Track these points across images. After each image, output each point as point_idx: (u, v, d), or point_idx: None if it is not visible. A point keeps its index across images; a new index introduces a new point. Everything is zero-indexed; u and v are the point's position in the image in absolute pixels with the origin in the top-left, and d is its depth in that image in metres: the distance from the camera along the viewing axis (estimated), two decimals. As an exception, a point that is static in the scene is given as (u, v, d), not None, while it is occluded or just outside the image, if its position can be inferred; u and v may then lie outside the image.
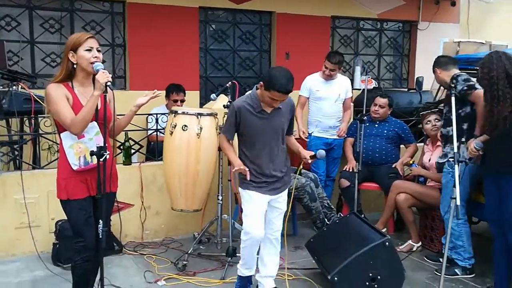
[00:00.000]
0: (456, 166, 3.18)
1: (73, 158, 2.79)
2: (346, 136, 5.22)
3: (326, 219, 4.62)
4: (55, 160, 4.55)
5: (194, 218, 4.59)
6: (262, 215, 3.33)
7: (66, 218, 3.81)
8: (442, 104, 4.72)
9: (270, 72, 3.21)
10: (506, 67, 3.21)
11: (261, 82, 3.15)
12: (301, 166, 3.60)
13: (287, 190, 3.46)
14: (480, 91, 3.52)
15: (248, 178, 3.26)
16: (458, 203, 3.10)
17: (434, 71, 4.12)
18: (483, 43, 5.56)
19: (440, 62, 4.09)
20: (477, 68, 4.50)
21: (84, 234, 2.85)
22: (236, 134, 3.39)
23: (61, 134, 2.81)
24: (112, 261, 4.11)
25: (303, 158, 3.41)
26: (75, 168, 2.79)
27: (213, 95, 4.17)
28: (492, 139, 3.34)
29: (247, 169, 3.25)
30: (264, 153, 3.28)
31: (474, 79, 3.76)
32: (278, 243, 3.48)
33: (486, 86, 3.28)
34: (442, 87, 4.95)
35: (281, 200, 3.41)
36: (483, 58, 3.37)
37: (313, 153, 3.44)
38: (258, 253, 3.47)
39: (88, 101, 2.70)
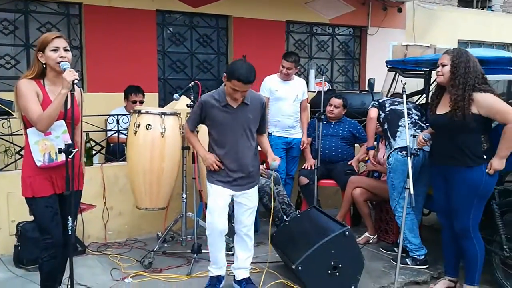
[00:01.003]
0: (409, 157, 3.42)
1: (37, 154, 2.81)
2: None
3: (284, 216, 4.74)
4: (12, 162, 4.50)
5: (157, 217, 4.64)
6: (224, 209, 3.38)
7: (27, 220, 3.87)
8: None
9: (232, 63, 3.33)
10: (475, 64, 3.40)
11: (225, 74, 3.27)
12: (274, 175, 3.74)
13: (255, 187, 3.51)
14: None
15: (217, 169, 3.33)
16: (412, 192, 3.31)
17: None
18: (428, 46, 5.94)
19: None
20: (425, 69, 4.87)
21: (51, 231, 2.87)
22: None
23: (28, 130, 2.82)
24: (76, 261, 3.96)
25: (269, 161, 3.48)
26: (38, 164, 2.81)
27: (176, 95, 4.24)
28: (438, 132, 3.56)
29: (219, 164, 3.32)
30: (230, 149, 3.33)
31: None
32: (249, 238, 3.55)
33: (462, 75, 3.34)
34: (391, 88, 5.23)
35: (248, 196, 3.46)
36: (454, 50, 3.47)
37: (279, 159, 3.52)
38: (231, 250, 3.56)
39: (55, 99, 2.74)
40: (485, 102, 3.30)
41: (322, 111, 4.85)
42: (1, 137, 4.44)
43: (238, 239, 3.57)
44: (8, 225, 4.16)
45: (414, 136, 3.67)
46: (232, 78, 3.17)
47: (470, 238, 3.47)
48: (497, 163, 3.33)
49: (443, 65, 3.43)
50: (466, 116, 3.30)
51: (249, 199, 3.48)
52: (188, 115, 3.67)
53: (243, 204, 3.47)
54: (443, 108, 3.48)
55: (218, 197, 3.38)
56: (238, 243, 3.59)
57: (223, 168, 3.36)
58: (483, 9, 12.31)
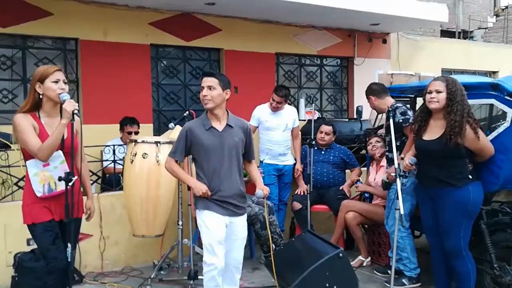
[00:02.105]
0: (398, 180, 3.54)
1: (37, 185, 2.88)
2: (295, 162, 5.53)
3: (274, 245, 4.66)
4: (10, 194, 4.56)
5: (153, 246, 4.69)
6: (221, 244, 3.25)
7: (24, 250, 3.91)
8: (382, 130, 5.17)
9: None
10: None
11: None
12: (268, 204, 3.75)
13: (244, 216, 3.42)
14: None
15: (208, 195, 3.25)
16: (402, 212, 3.42)
17: (368, 98, 4.50)
18: (413, 74, 6.17)
19: (373, 91, 4.47)
20: (410, 96, 5.06)
21: (54, 253, 2.92)
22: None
23: (27, 162, 2.90)
24: None
25: (257, 189, 3.45)
26: (39, 195, 2.89)
27: (171, 124, 4.36)
28: (425, 157, 3.64)
29: (208, 192, 3.23)
30: (217, 173, 3.25)
31: (410, 112, 4.14)
32: (238, 272, 3.48)
33: (460, 102, 3.45)
34: (379, 115, 5.41)
35: (237, 226, 3.35)
36: (447, 78, 3.60)
37: (267, 189, 3.49)
38: None
39: (56, 129, 2.83)
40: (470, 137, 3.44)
41: (312, 138, 4.99)
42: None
43: (226, 271, 3.39)
44: (5, 256, 4.20)
45: (402, 158, 3.80)
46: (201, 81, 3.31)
47: (462, 257, 3.54)
48: None
49: (438, 92, 3.49)
50: (459, 143, 3.39)
51: (238, 228, 3.37)
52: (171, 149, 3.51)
53: (233, 234, 3.35)
54: (431, 134, 3.57)
55: (212, 228, 3.24)
56: (226, 275, 3.40)
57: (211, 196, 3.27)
58: (465, 39, 12.75)
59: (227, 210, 3.30)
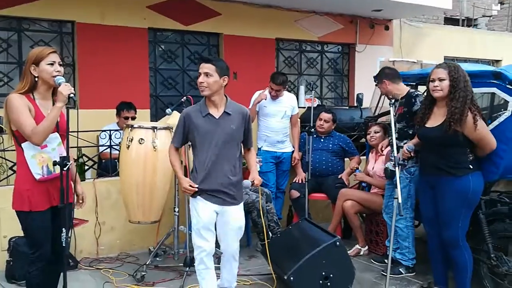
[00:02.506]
0: (397, 168, 3.49)
1: (36, 167, 2.82)
2: (294, 150, 5.48)
3: (271, 233, 4.64)
4: (4, 178, 4.51)
5: (149, 232, 4.66)
6: (209, 228, 3.28)
7: (19, 235, 3.87)
8: (383, 118, 5.10)
9: None
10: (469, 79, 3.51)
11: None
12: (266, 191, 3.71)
13: (239, 206, 3.38)
14: None
15: (195, 196, 3.26)
16: (400, 201, 3.38)
17: (381, 82, 4.29)
18: (415, 62, 6.10)
19: (388, 75, 4.29)
20: (412, 84, 4.98)
21: (43, 245, 2.88)
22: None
23: (22, 145, 2.82)
24: (68, 276, 3.97)
25: (248, 178, 3.42)
26: (37, 177, 2.82)
27: (168, 110, 4.30)
28: (426, 145, 3.63)
29: (195, 188, 3.23)
30: (212, 160, 3.23)
31: None
32: (235, 260, 3.47)
33: (462, 88, 3.41)
34: (379, 104, 5.33)
35: (231, 214, 3.33)
36: (449, 64, 3.55)
37: (259, 179, 3.46)
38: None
39: (51, 112, 2.78)
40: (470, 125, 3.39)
41: (311, 125, 4.93)
42: (-6, 153, 4.47)
43: (224, 258, 3.47)
44: (1, 240, 4.17)
45: (401, 147, 3.75)
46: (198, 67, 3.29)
47: (459, 247, 3.53)
48: None
49: (441, 80, 3.46)
50: (458, 130, 3.37)
51: (232, 216, 3.34)
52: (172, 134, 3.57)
53: (227, 223, 3.35)
54: (434, 121, 3.54)
55: (202, 214, 3.26)
56: (223, 262, 3.49)
57: (197, 192, 3.26)
58: (469, 27, 12.61)
59: (218, 198, 3.27)
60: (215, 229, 3.36)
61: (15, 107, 2.77)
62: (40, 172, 2.82)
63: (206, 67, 3.22)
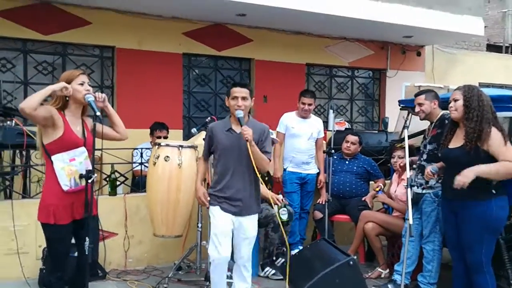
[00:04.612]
0: (409, 189, 3.55)
1: (65, 179, 3.03)
2: (319, 171, 5.57)
3: (274, 256, 4.68)
4: (40, 192, 4.82)
5: (175, 247, 4.85)
6: (226, 237, 3.45)
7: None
8: (411, 141, 5.10)
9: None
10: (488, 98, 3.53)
11: (226, 98, 3.58)
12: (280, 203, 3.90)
13: (253, 217, 3.54)
14: None
15: (207, 205, 3.54)
16: (411, 222, 3.42)
17: (430, 101, 4.16)
18: (441, 87, 6.12)
19: (437, 96, 4.22)
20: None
21: (62, 257, 3.12)
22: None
23: (52, 157, 3.02)
24: (95, 286, 4.30)
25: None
26: (65, 188, 3.02)
27: (193, 130, 4.53)
28: (448, 166, 3.63)
29: (206, 201, 3.52)
30: (231, 172, 3.45)
31: None
32: (246, 270, 3.59)
33: (476, 108, 3.44)
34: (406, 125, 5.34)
35: (245, 225, 3.50)
36: (465, 85, 3.58)
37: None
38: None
39: (42, 90, 2.92)
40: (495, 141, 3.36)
41: (331, 147, 5.05)
42: (34, 167, 4.80)
43: (236, 269, 3.62)
44: (36, 249, 4.44)
45: (414, 169, 3.79)
46: (230, 90, 3.50)
47: (483, 272, 3.47)
48: (466, 175, 3.30)
49: (455, 100, 3.52)
50: (479, 150, 3.36)
51: (246, 227, 3.51)
52: None
53: (240, 233, 3.52)
54: (455, 143, 3.56)
55: (218, 223, 3.47)
56: (236, 273, 3.64)
57: (207, 205, 3.54)
58: (512, 54, 12.36)
59: (235, 207, 3.48)
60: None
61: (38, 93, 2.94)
62: (68, 183, 3.04)
63: (244, 92, 3.48)
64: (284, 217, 4.15)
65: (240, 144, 3.44)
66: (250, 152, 3.33)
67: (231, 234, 3.51)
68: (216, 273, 3.50)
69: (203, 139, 4.35)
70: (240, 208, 3.48)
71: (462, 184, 3.29)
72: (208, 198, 3.52)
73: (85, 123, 3.19)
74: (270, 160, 3.58)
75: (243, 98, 3.45)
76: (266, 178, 4.87)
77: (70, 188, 3.04)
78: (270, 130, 3.68)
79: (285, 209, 4.40)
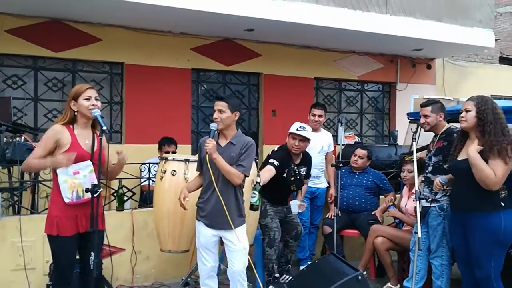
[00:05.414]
0: (418, 203, 3.49)
1: (66, 191, 3.07)
2: (328, 186, 5.52)
3: (276, 272, 4.57)
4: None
5: (182, 262, 4.80)
6: (207, 248, 3.60)
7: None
8: (420, 154, 5.04)
9: None
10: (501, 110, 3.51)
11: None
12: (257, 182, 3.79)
13: (238, 229, 3.54)
14: None
15: (185, 208, 3.59)
16: (419, 235, 3.36)
17: (437, 113, 4.10)
18: (451, 99, 6.07)
19: (443, 109, 4.16)
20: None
21: (65, 269, 3.14)
22: None
23: (58, 170, 3.09)
24: None
25: None
26: (67, 201, 3.06)
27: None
28: (457, 178, 3.59)
29: (183, 200, 3.56)
30: (212, 186, 3.49)
31: None
32: (239, 282, 3.61)
33: (492, 121, 3.42)
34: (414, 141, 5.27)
35: (230, 238, 3.55)
36: (478, 96, 3.56)
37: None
38: None
39: (47, 160, 3.07)
40: None
41: (340, 160, 5.00)
42: (42, 182, 4.82)
43: (231, 280, 3.67)
44: (43, 265, 4.43)
45: (423, 181, 3.74)
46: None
47: (492, 287, 3.42)
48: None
49: (467, 111, 3.49)
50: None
51: (233, 240, 3.55)
52: None
53: (227, 245, 3.59)
54: (465, 154, 3.51)
55: (201, 236, 3.60)
56: (232, 283, 3.67)
57: (186, 207, 3.61)
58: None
59: (216, 222, 3.53)
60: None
61: (44, 137, 3.14)
62: (69, 196, 3.07)
63: (220, 105, 3.56)
64: (253, 200, 3.77)
65: (223, 155, 3.49)
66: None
67: (216, 245, 3.65)
68: (208, 280, 3.65)
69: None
70: (222, 222, 3.49)
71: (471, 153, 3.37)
72: (187, 199, 3.59)
73: (97, 135, 3.20)
74: (246, 176, 3.56)
75: (220, 111, 3.52)
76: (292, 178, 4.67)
77: (71, 200, 3.08)
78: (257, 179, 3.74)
79: (256, 192, 3.82)
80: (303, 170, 4.73)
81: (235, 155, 3.54)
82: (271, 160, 4.52)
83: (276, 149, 4.75)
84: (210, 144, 3.40)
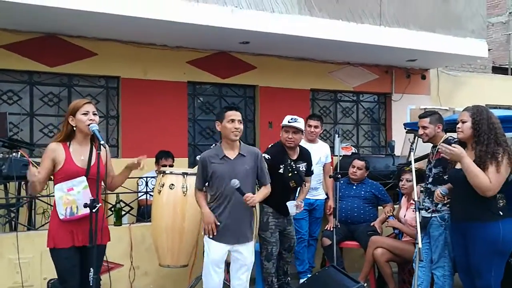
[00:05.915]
0: (417, 213, 3.48)
1: (61, 208, 3.08)
2: (327, 197, 5.51)
3: (276, 285, 4.52)
4: (47, 222, 4.79)
5: (181, 277, 4.75)
6: (219, 266, 3.55)
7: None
8: (418, 164, 5.05)
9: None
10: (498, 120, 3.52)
11: (217, 122, 3.60)
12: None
13: (250, 244, 3.57)
14: None
15: (212, 235, 3.51)
16: (420, 246, 3.35)
17: (435, 124, 4.10)
18: (447, 109, 6.11)
19: (441, 120, 4.16)
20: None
21: (69, 280, 3.09)
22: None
23: (55, 186, 3.12)
24: None
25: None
26: (61, 217, 3.07)
27: (198, 157, 4.49)
28: (456, 188, 3.60)
29: (214, 227, 3.49)
30: (227, 201, 3.49)
31: None
32: None
33: (487, 131, 3.43)
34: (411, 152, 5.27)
35: (242, 252, 3.56)
36: (474, 106, 3.57)
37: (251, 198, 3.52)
38: None
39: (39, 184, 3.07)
40: None
41: (338, 172, 4.99)
42: (39, 198, 4.78)
43: None
44: (40, 282, 4.38)
45: (422, 191, 3.75)
46: (224, 114, 3.55)
47: (493, 298, 3.40)
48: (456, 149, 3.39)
49: (463, 122, 3.52)
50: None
51: (243, 255, 3.57)
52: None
53: (238, 259, 3.58)
54: None
55: (212, 253, 3.54)
56: None
57: (216, 232, 3.52)
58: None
59: (231, 237, 3.49)
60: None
61: (42, 157, 3.16)
62: (63, 212, 3.07)
63: (239, 115, 3.55)
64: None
65: (236, 170, 3.48)
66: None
67: (224, 263, 3.60)
68: None
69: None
70: (237, 236, 3.50)
71: (445, 149, 3.41)
72: (218, 224, 3.50)
73: (95, 150, 3.18)
74: (269, 188, 3.64)
75: (239, 121, 3.56)
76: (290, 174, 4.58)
77: (65, 217, 3.08)
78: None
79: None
80: (302, 166, 4.59)
81: (249, 167, 3.55)
82: (263, 155, 4.46)
83: (270, 145, 4.67)
84: (253, 199, 3.45)
